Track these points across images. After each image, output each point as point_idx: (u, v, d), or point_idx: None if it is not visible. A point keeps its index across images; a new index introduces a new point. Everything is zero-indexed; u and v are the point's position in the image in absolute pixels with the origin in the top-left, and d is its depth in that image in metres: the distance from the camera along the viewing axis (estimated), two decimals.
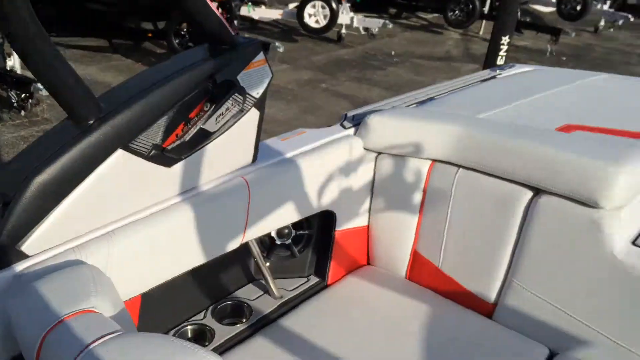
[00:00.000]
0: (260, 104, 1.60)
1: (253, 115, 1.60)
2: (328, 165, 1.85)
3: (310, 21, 8.40)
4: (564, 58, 8.74)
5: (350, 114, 2.10)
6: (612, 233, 1.54)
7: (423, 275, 1.99)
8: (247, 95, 1.53)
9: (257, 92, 1.57)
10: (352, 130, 2.00)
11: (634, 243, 1.59)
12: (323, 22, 8.32)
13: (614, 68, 8.20)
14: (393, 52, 8.58)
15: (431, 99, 2.27)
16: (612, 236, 1.54)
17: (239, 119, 1.55)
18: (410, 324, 1.78)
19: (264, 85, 1.58)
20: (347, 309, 1.87)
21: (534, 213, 1.68)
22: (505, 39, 4.43)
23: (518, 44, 9.35)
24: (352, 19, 8.52)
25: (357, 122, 2.02)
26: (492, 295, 1.82)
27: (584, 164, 1.57)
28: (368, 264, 2.15)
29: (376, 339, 1.73)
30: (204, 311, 1.86)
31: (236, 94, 1.49)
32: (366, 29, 8.86)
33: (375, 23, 8.61)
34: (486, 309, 1.85)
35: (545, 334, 1.71)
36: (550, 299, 1.69)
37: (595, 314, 1.61)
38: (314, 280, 2.04)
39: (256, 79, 1.55)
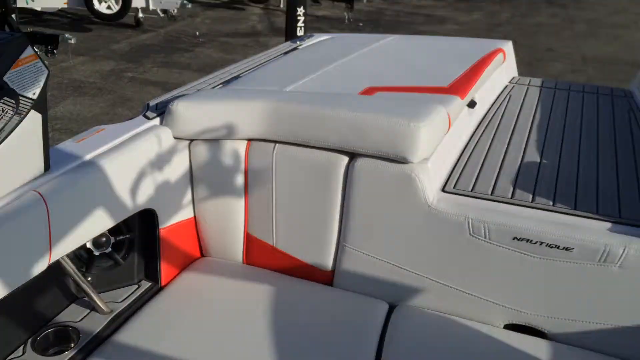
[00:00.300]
0: (40, 105, 1.39)
1: (33, 119, 1.39)
2: (137, 162, 1.71)
3: (101, 7, 7.80)
4: (361, 24, 9.26)
5: (153, 102, 1.95)
6: (423, 184, 1.64)
7: (260, 256, 1.96)
8: (21, 98, 1.32)
9: (33, 93, 1.36)
10: (157, 120, 1.87)
11: (443, 190, 1.72)
12: (116, 7, 7.78)
13: (405, 28, 8.90)
14: (198, 33, 8.36)
15: (237, 77, 2.21)
16: (423, 187, 1.64)
17: (16, 126, 1.34)
18: (253, 308, 1.74)
19: (41, 84, 1.38)
20: (185, 307, 1.77)
21: (352, 177, 1.72)
22: (300, 10, 4.53)
23: (318, 14, 9.68)
24: (147, 1, 8.08)
25: (162, 111, 1.88)
26: (329, 263, 1.85)
27: (388, 124, 1.63)
28: (202, 256, 2.05)
29: (220, 331, 1.66)
30: (22, 346, 1.63)
31: (5, 98, 1.27)
32: (165, 11, 8.50)
33: (172, 4, 8.28)
34: (326, 277, 1.88)
35: (383, 289, 1.79)
36: (381, 256, 1.76)
37: (421, 262, 1.72)
38: (145, 285, 1.90)
39: (29, 77, 1.34)
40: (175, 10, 8.47)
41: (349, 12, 9.31)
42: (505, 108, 2.41)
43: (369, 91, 1.95)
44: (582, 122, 2.26)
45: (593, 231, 1.51)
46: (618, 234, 1.51)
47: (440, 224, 1.64)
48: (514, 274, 1.60)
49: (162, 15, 8.57)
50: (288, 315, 1.72)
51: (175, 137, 1.84)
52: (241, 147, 1.84)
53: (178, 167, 1.86)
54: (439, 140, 1.74)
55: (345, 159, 1.75)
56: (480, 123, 2.23)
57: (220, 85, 2.13)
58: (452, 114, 1.82)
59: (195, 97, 1.86)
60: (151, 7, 8.23)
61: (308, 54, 2.57)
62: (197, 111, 1.81)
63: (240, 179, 1.87)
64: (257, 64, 2.40)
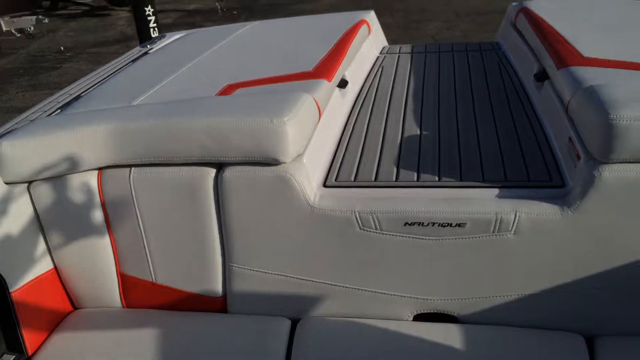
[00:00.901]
0: None
1: None
2: None
3: None
4: (235, 12, 8.96)
5: None
6: (301, 184, 1.48)
7: (140, 296, 1.73)
8: None
9: None
10: None
11: (324, 185, 1.57)
12: None
13: (282, 11, 8.71)
14: (62, 47, 7.74)
15: (77, 98, 1.93)
16: (302, 187, 1.48)
17: None
18: (141, 357, 1.52)
19: None
20: None
21: (224, 189, 1.53)
22: (149, 10, 4.17)
23: (190, 8, 9.28)
24: None
25: None
26: (219, 288, 1.66)
27: (249, 125, 1.45)
28: (75, 309, 1.79)
29: None
30: None
31: None
32: (21, 30, 7.79)
33: (27, 22, 7.63)
34: (218, 305, 1.68)
35: (282, 305, 1.62)
36: (272, 269, 1.59)
37: (315, 268, 1.56)
38: (9, 359, 1.62)
39: None
40: (32, 28, 7.79)
41: (221, 2, 8.97)
42: (378, 82, 2.30)
43: (227, 90, 1.75)
44: (456, 85, 2.19)
45: (482, 201, 1.42)
46: (507, 199, 1.42)
47: (327, 223, 1.50)
48: (412, 261, 1.49)
49: (18, 35, 7.86)
50: (183, 356, 1.52)
51: (6, 183, 1.56)
52: (92, 178, 1.60)
53: (18, 216, 1.58)
54: (310, 132, 1.58)
55: (212, 171, 1.55)
56: (355, 103, 2.10)
57: (58, 111, 1.85)
58: (320, 100, 1.66)
59: (24, 131, 1.59)
60: (4, 28, 7.53)
61: (159, 58, 2.31)
62: (28, 148, 1.54)
63: (98, 215, 1.62)
64: (100, 79, 2.13)
